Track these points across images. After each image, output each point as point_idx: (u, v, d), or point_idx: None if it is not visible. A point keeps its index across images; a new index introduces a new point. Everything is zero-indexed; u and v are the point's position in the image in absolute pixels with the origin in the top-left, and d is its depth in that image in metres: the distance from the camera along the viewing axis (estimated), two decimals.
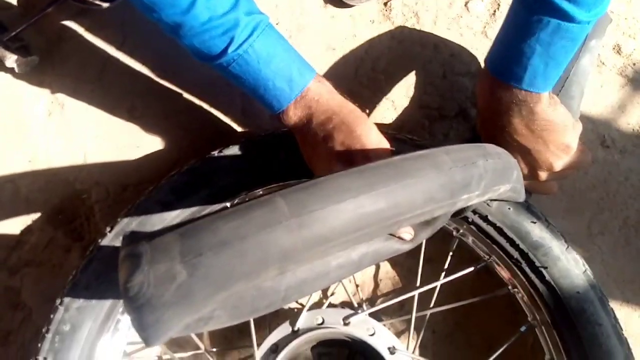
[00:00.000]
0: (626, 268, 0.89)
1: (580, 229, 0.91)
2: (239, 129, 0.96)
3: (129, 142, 0.96)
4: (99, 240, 0.78)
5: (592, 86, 0.97)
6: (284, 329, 0.75)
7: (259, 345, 0.76)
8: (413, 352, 0.78)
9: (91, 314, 0.75)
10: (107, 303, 0.76)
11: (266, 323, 0.82)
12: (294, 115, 0.71)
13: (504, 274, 0.81)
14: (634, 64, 0.98)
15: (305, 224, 0.44)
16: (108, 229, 0.78)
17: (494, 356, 0.78)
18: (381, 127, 0.81)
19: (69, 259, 0.92)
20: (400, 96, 0.97)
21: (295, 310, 0.79)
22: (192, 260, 0.40)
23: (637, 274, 0.89)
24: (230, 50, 0.66)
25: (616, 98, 0.97)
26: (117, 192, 0.94)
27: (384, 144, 0.72)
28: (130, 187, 0.94)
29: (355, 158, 0.68)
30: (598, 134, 0.95)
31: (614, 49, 0.99)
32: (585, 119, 0.96)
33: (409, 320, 0.86)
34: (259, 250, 0.42)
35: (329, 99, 0.70)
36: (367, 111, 0.96)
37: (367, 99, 0.97)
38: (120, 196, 0.94)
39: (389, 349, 0.74)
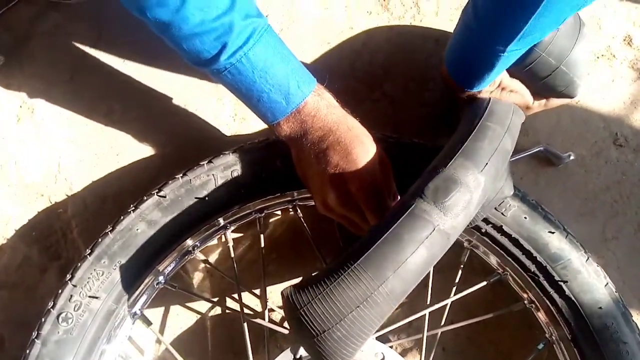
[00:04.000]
0: None
1: (594, 233, 0.86)
2: (228, 133, 0.88)
3: (106, 149, 0.87)
4: (79, 264, 0.70)
5: (602, 80, 0.91)
6: (284, 358, 0.69)
7: None
8: None
9: (72, 348, 0.68)
10: (90, 334, 0.69)
11: (264, 347, 0.76)
12: (287, 128, 0.64)
13: (520, 288, 0.75)
14: None
15: None
16: (88, 250, 0.71)
17: None
18: (379, 127, 0.75)
19: (45, 280, 0.84)
20: (399, 92, 0.91)
21: None
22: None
23: None
24: (222, 58, 0.59)
25: (628, 93, 0.92)
26: (96, 205, 0.86)
27: (385, 166, 0.66)
28: (110, 198, 0.86)
29: (349, 185, 0.62)
30: (610, 131, 0.90)
31: (624, 40, 0.93)
32: (596, 116, 0.91)
33: (418, 339, 0.80)
34: None
35: (327, 114, 0.63)
36: (361, 111, 0.90)
37: (364, 96, 0.90)
38: (99, 209, 0.86)
39: None
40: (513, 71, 0.77)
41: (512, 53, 0.66)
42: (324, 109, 0.64)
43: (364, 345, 0.70)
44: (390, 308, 0.52)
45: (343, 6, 0.92)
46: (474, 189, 0.55)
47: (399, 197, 0.66)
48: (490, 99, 0.70)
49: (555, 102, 0.84)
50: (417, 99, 0.90)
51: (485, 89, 0.76)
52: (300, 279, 0.69)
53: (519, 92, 0.79)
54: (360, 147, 0.63)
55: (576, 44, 0.75)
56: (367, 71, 0.92)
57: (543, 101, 0.82)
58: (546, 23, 0.60)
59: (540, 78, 0.76)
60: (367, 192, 0.62)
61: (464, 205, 0.54)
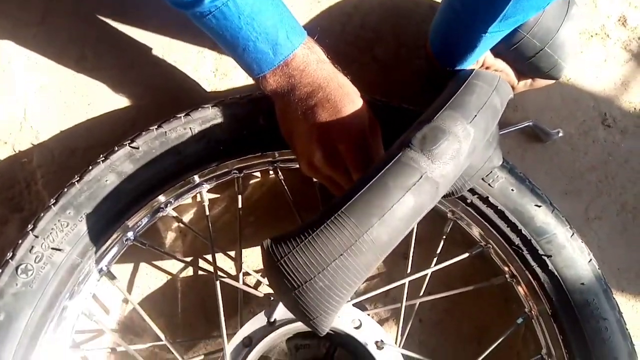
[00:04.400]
0: (622, 255, 0.85)
1: (578, 212, 0.85)
2: (208, 88, 0.84)
3: (77, 98, 0.82)
4: (42, 214, 0.66)
5: (594, 60, 0.90)
6: (258, 321, 0.66)
7: (229, 335, 0.67)
8: (401, 345, 0.71)
9: (31, 301, 0.64)
10: (51, 288, 0.65)
11: (237, 311, 0.73)
12: (274, 82, 0.61)
13: (502, 261, 0.74)
14: (639, 38, 0.91)
15: None
16: (52, 200, 0.66)
17: (490, 350, 0.71)
18: (367, 92, 0.72)
19: (5, 233, 0.79)
20: (390, 58, 0.87)
21: (272, 298, 0.70)
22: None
23: (633, 261, 0.85)
24: (207, 0, 0.54)
25: (619, 74, 0.90)
26: (64, 156, 0.81)
27: (374, 127, 0.63)
28: (80, 150, 0.81)
29: (337, 145, 0.59)
30: (600, 111, 0.88)
31: (619, 20, 0.92)
32: (586, 95, 0.89)
33: (395, 309, 0.79)
34: None
35: (316, 69, 0.60)
36: (350, 75, 0.86)
37: (353, 59, 0.87)
38: (67, 161, 0.81)
39: (376, 343, 0.67)
40: (498, 51, 0.76)
41: (495, 34, 0.64)
42: (314, 64, 0.60)
43: (341, 311, 0.68)
44: (376, 258, 0.49)
45: None
46: (463, 139, 0.53)
47: None
48: (475, 69, 0.69)
49: (540, 82, 0.82)
50: (407, 65, 0.87)
51: (469, 68, 0.74)
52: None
53: (503, 72, 0.78)
54: (351, 105, 0.60)
55: (562, 25, 0.73)
56: (358, 35, 0.88)
57: (528, 81, 0.81)
58: (527, 6, 0.59)
59: (524, 59, 0.75)
60: (356, 153, 0.59)
61: (453, 154, 0.52)
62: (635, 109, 0.89)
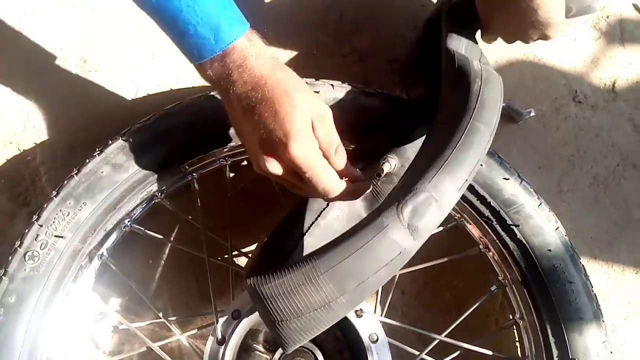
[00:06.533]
0: (594, 225, 0.89)
1: (551, 186, 0.90)
2: (199, 84, 0.89)
3: (77, 97, 0.88)
4: (45, 205, 0.72)
5: (565, 39, 0.94)
6: (246, 294, 0.72)
7: (221, 311, 0.72)
8: (381, 314, 0.76)
9: (39, 285, 0.69)
10: (56, 272, 0.70)
11: (229, 289, 0.78)
12: (211, 72, 0.57)
13: (475, 232, 0.78)
14: (608, 17, 0.95)
15: None
16: (54, 192, 0.72)
17: (464, 316, 0.76)
18: (348, 81, 0.76)
19: (14, 226, 0.85)
20: (367, 48, 0.92)
21: None
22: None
23: (605, 231, 0.89)
24: None
25: (589, 52, 0.94)
26: (65, 153, 0.87)
27: (322, 117, 0.58)
28: (79, 147, 0.87)
29: (278, 150, 0.56)
30: (570, 88, 0.93)
31: None
32: (557, 73, 0.93)
33: None
34: None
35: (254, 66, 0.56)
36: (332, 67, 0.91)
37: (332, 50, 0.91)
38: (68, 157, 0.87)
39: (355, 312, 0.72)
40: None
41: None
42: (252, 59, 0.56)
43: None
44: (344, 314, 0.54)
45: None
46: (447, 209, 0.55)
47: (344, 151, 0.60)
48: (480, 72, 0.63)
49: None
50: (386, 54, 0.92)
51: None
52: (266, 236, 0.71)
53: None
54: (288, 103, 0.55)
55: None
56: (336, 26, 0.92)
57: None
58: None
59: None
60: (298, 157, 0.55)
61: (432, 229, 0.54)
62: (605, 84, 0.93)
